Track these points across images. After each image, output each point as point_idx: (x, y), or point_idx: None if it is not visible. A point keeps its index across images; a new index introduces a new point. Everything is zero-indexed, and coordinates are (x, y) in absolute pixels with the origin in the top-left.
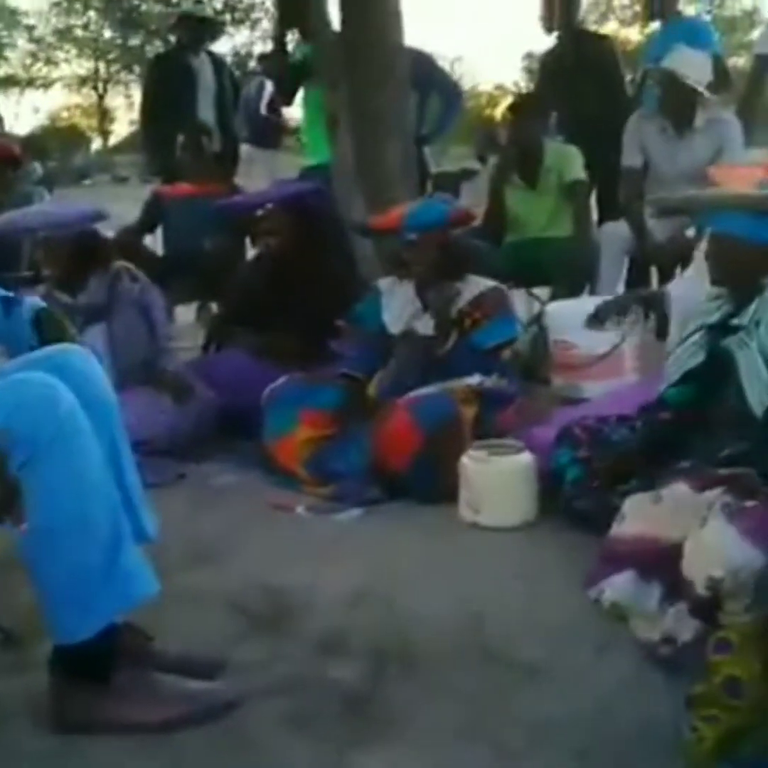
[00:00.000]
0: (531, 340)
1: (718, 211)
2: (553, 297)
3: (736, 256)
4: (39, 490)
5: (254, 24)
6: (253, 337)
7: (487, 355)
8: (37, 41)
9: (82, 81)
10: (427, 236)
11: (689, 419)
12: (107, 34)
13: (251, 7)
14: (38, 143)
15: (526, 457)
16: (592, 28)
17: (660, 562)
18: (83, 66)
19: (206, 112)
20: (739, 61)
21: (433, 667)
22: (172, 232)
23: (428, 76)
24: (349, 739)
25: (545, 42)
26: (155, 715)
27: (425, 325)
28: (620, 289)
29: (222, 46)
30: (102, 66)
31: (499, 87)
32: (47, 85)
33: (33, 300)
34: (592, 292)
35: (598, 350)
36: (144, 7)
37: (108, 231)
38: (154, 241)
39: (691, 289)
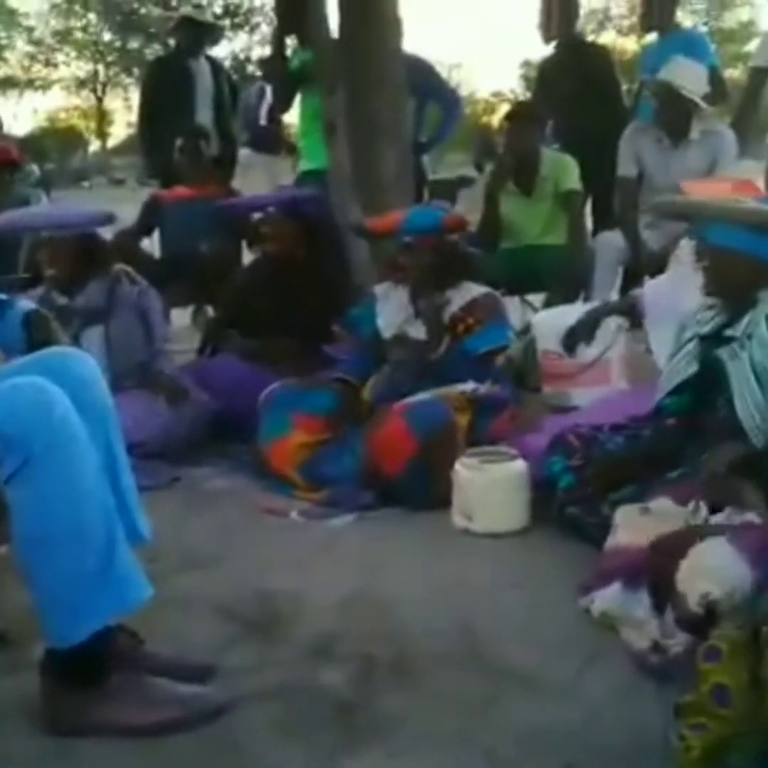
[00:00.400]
0: (523, 348)
1: (720, 222)
2: (547, 305)
3: (734, 270)
4: (33, 497)
5: (253, 28)
6: (249, 340)
7: (480, 361)
8: (37, 43)
9: (81, 83)
10: (423, 240)
11: (690, 427)
12: (107, 36)
13: (251, 12)
14: (36, 145)
15: (519, 465)
16: (590, 37)
17: (647, 571)
18: (82, 68)
19: (204, 115)
20: (735, 73)
21: (424, 673)
22: (169, 235)
23: (426, 83)
24: (340, 745)
25: (543, 50)
26: (147, 718)
27: (417, 330)
28: (614, 298)
29: (221, 50)
30: (101, 68)
31: (496, 94)
32: (46, 86)
33: (24, 303)
34: (587, 301)
35: (585, 359)
36: (143, 11)
37: (105, 233)
38: (151, 244)
39: (664, 294)
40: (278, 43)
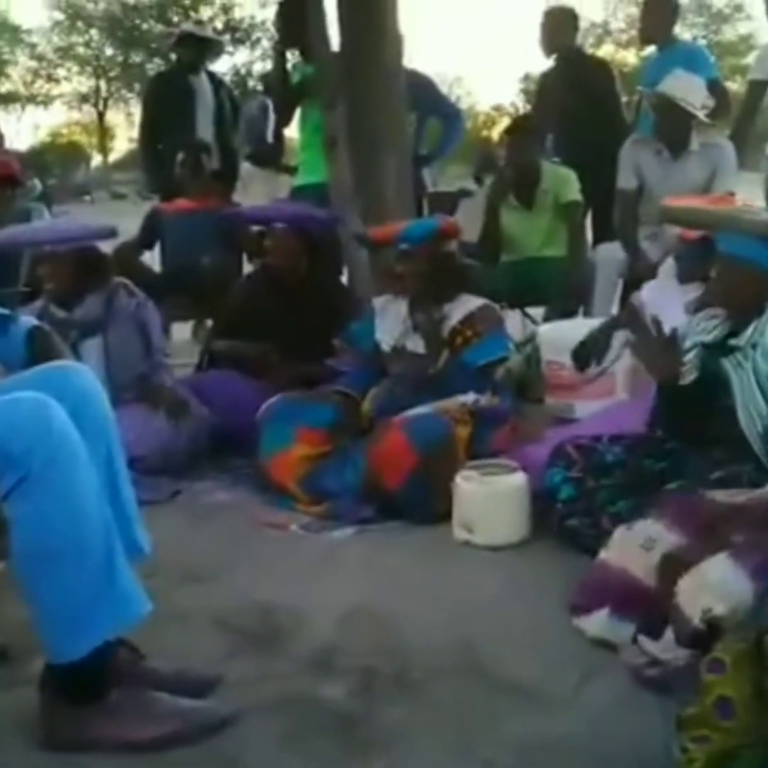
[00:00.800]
0: (525, 360)
1: (730, 232)
2: (547, 317)
3: (741, 279)
4: (32, 513)
5: (254, 43)
6: (248, 348)
7: (479, 373)
8: (39, 58)
9: (83, 98)
10: (419, 248)
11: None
12: (108, 52)
13: (252, 27)
14: (38, 160)
15: (519, 478)
16: (589, 50)
17: (634, 602)
18: (84, 83)
19: (205, 130)
20: (734, 86)
21: (425, 686)
22: (170, 248)
23: (426, 98)
24: (341, 757)
25: (543, 64)
26: (148, 732)
27: (415, 344)
28: (614, 310)
29: (222, 65)
30: (103, 84)
31: (496, 108)
32: (48, 102)
33: (27, 318)
34: (586, 313)
35: (590, 370)
36: (145, 26)
37: (106, 247)
38: (152, 258)
39: (658, 298)
40: (279, 58)
